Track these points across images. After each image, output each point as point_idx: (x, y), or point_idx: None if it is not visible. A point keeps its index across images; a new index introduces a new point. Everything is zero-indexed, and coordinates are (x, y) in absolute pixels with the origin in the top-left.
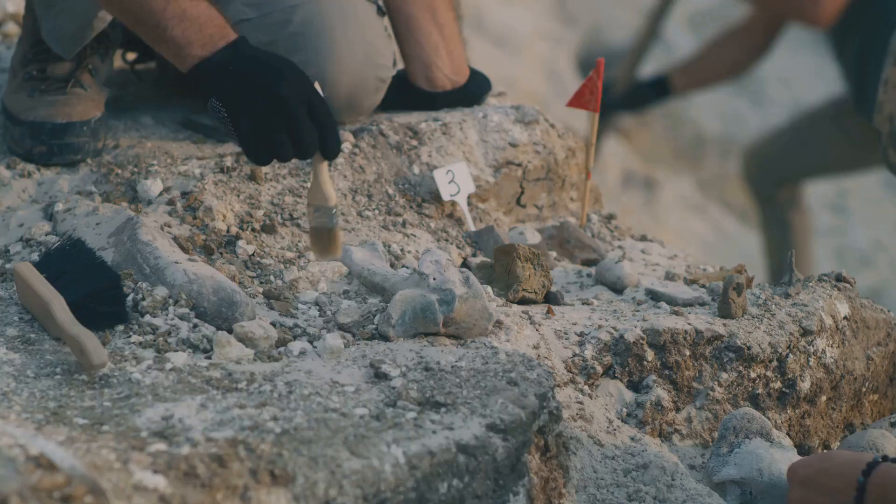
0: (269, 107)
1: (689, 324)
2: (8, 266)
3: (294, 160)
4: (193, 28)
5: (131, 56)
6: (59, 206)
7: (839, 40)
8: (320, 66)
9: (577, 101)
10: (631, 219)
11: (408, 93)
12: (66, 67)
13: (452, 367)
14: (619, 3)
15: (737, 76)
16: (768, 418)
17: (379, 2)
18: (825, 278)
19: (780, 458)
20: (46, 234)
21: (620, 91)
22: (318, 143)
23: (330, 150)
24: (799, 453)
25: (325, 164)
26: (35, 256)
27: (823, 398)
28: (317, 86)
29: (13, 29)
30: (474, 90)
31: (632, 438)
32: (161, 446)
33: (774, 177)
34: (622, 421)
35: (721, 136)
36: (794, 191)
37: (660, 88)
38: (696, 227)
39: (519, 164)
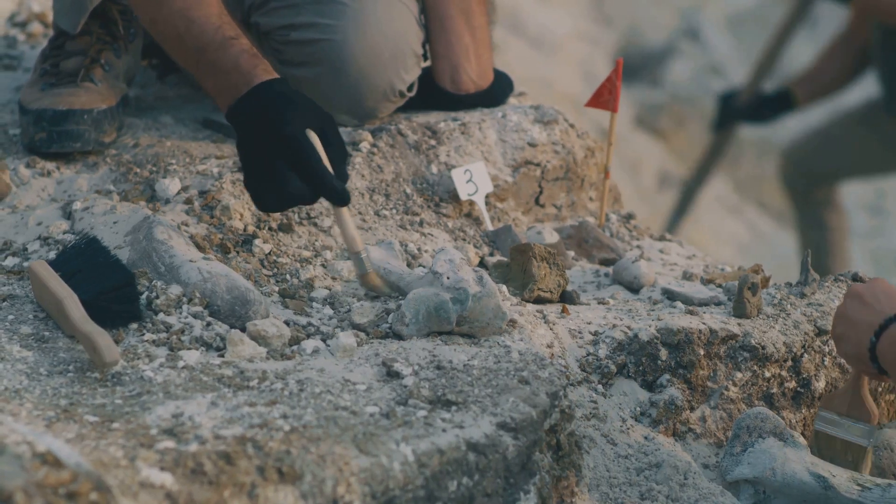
0: (255, 161)
1: (703, 323)
2: (25, 264)
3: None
4: (222, 78)
5: (145, 63)
6: (77, 205)
7: (883, 44)
8: (341, 30)
9: (595, 102)
10: (666, 219)
11: (430, 92)
12: (76, 62)
13: (465, 365)
14: (656, 4)
15: (856, 80)
16: (783, 418)
17: (417, 12)
18: (841, 278)
19: (793, 457)
20: (64, 233)
21: (744, 101)
22: (309, 194)
23: (327, 197)
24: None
25: (339, 210)
26: (52, 255)
27: None
28: (312, 137)
29: (38, 28)
30: (497, 93)
31: (645, 437)
32: (169, 444)
33: (809, 178)
34: (636, 420)
35: (758, 138)
36: (829, 191)
37: (783, 101)
38: (733, 227)
39: (537, 164)
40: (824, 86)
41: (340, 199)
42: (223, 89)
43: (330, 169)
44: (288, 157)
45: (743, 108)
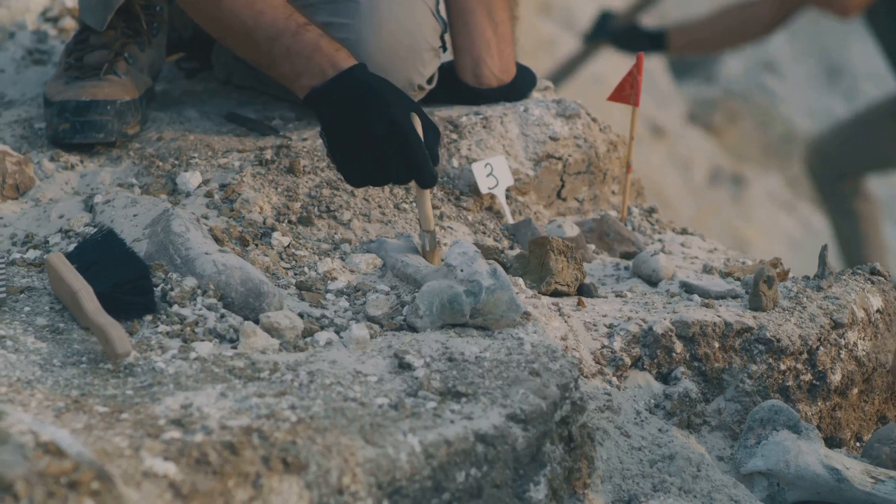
0: (357, 140)
1: (718, 316)
2: (45, 257)
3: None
4: (301, 61)
5: (172, 58)
6: (99, 198)
7: (878, 30)
8: (356, 29)
9: (617, 96)
10: (718, 215)
11: (453, 86)
12: (100, 56)
13: (476, 357)
14: None
15: (736, 48)
16: (798, 411)
17: (440, 8)
18: (859, 271)
19: (807, 450)
20: (85, 226)
21: (618, 25)
22: (405, 173)
23: (420, 181)
24: (829, 446)
25: (425, 191)
26: (72, 247)
27: (855, 391)
28: (414, 117)
29: (70, 24)
30: (519, 87)
31: (659, 430)
32: (176, 434)
33: (836, 170)
34: (650, 412)
35: (812, 133)
36: (856, 183)
37: (655, 41)
38: (785, 224)
39: (559, 158)
40: (700, 43)
41: (432, 182)
42: (303, 73)
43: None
44: (392, 139)
45: (615, 32)
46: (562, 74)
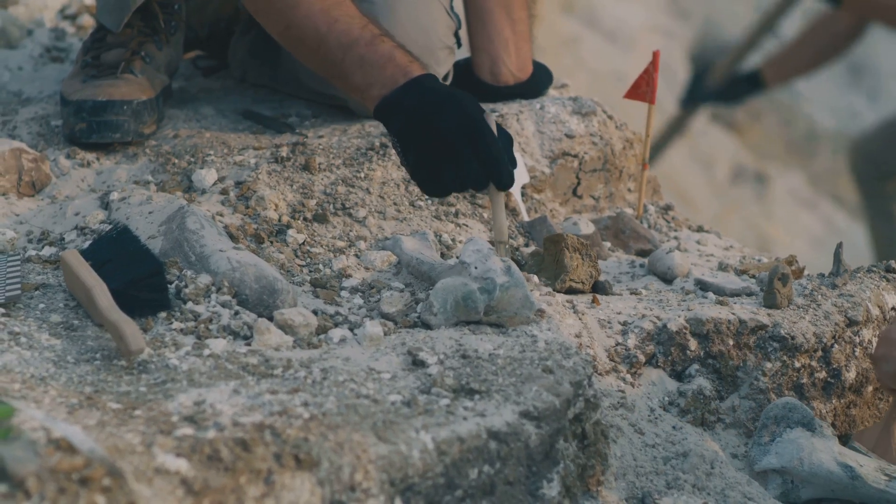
0: (432, 142)
1: (733, 313)
2: (60, 254)
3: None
4: (374, 71)
5: (190, 55)
6: (115, 195)
7: None
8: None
9: (633, 93)
10: (740, 213)
11: (469, 83)
12: (117, 54)
13: (490, 354)
14: None
15: (827, 65)
16: (813, 408)
17: (454, 4)
18: (874, 269)
19: (821, 447)
20: (101, 223)
21: (716, 82)
22: (483, 176)
23: (498, 183)
24: (843, 443)
25: (500, 196)
26: (87, 245)
27: (870, 388)
28: (489, 119)
29: (88, 21)
30: (536, 85)
31: (673, 427)
32: (188, 430)
33: (880, 170)
34: (664, 410)
35: (834, 131)
36: None
37: (753, 82)
38: (807, 221)
39: (575, 156)
40: (793, 70)
41: (509, 182)
42: (375, 82)
43: None
44: (467, 133)
45: (712, 90)
46: (661, 143)
